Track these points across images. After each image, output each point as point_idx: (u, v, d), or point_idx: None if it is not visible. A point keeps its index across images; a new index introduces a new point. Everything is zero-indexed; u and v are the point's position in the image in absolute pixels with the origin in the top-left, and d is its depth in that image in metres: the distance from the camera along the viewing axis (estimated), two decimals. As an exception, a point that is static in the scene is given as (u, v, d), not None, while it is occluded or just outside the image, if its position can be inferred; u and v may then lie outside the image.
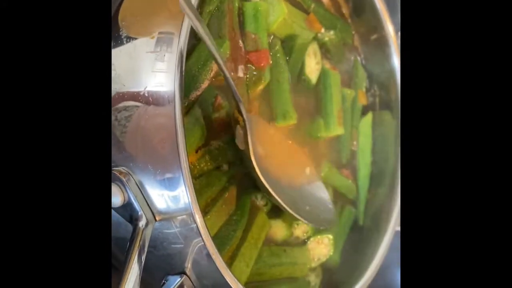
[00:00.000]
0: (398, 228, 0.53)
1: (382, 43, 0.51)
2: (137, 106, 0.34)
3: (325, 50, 0.51)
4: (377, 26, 0.51)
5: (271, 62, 0.43)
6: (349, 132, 0.52)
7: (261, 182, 0.38)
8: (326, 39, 0.51)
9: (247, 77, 0.42)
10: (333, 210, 0.45)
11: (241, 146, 0.39)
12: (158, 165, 0.33)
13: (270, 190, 0.38)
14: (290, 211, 0.40)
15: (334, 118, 0.49)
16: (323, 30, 0.51)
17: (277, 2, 0.44)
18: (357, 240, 0.52)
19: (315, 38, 0.50)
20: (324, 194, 0.45)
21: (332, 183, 0.50)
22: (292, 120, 0.45)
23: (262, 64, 0.42)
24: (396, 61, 0.52)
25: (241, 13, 0.42)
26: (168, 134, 0.32)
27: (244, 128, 0.37)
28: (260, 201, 0.43)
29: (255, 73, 0.42)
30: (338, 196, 0.51)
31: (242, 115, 0.37)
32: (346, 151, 0.52)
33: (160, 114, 0.33)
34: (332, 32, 0.51)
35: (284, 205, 0.39)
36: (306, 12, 0.49)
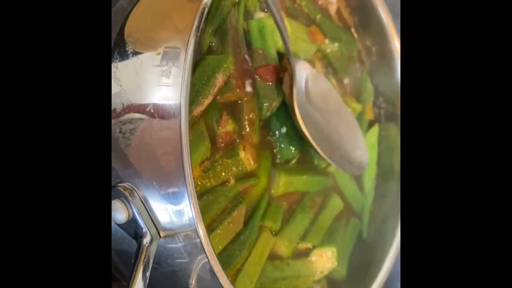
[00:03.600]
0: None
1: (388, 56, 0.51)
2: (142, 119, 0.34)
3: (328, 62, 0.51)
4: (383, 40, 0.51)
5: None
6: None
7: (301, 128, 0.42)
8: (328, 50, 0.51)
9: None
10: (366, 154, 0.48)
11: (286, 91, 0.43)
12: (162, 179, 0.33)
13: (307, 135, 0.43)
14: (325, 156, 0.44)
15: None
16: (326, 41, 0.51)
17: None
18: (362, 253, 0.52)
19: (319, 50, 0.50)
20: (360, 138, 0.49)
21: (342, 189, 0.50)
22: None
23: (272, 78, 0.42)
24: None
25: (247, 32, 0.42)
26: (173, 147, 0.32)
27: (291, 76, 0.42)
28: (269, 225, 0.43)
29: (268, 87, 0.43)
30: (344, 207, 0.51)
31: (290, 65, 0.42)
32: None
33: (165, 127, 0.33)
34: (336, 44, 0.51)
35: (320, 151, 0.43)
36: (307, 24, 0.49)
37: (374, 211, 0.54)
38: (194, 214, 0.32)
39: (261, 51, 0.42)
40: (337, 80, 0.51)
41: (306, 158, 0.48)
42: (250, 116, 0.41)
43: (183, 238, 0.33)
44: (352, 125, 0.49)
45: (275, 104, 0.43)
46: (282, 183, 0.44)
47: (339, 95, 0.49)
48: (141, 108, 0.34)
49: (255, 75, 0.42)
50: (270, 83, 0.43)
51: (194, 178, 0.37)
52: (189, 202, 0.32)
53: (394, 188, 0.54)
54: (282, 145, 0.45)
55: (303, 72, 0.45)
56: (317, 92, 0.46)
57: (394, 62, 0.51)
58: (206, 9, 0.33)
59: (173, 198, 0.32)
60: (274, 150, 0.45)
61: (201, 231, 0.32)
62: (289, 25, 0.44)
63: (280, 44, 0.44)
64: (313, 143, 0.43)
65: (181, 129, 0.32)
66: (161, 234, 0.33)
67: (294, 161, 0.47)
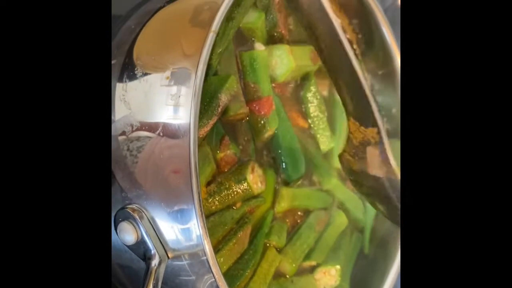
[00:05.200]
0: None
1: (391, 75, 0.52)
2: (150, 138, 0.34)
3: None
4: (387, 60, 0.51)
5: (274, 107, 0.43)
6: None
7: None
8: None
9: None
10: None
11: None
12: (170, 199, 0.33)
13: None
14: None
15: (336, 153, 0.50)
16: None
17: (286, 56, 0.44)
18: (364, 268, 0.52)
19: (319, 69, 0.50)
20: None
21: (346, 205, 0.51)
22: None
23: (264, 112, 0.42)
24: (404, 92, 0.52)
25: (240, 63, 0.42)
26: (181, 165, 0.32)
27: None
28: (274, 242, 0.43)
29: (260, 120, 0.43)
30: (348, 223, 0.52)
31: None
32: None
33: (173, 145, 0.33)
34: None
35: None
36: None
37: (375, 226, 0.54)
38: (201, 232, 0.32)
39: (252, 85, 0.42)
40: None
41: (309, 177, 0.49)
42: (246, 139, 0.42)
43: (190, 257, 0.34)
44: None
45: (268, 135, 0.44)
46: (286, 199, 0.45)
47: None
48: (150, 128, 0.34)
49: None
50: (263, 117, 0.43)
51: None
52: (197, 220, 0.32)
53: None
54: (287, 165, 0.45)
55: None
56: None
57: (397, 80, 0.52)
58: (215, 36, 0.34)
59: (181, 217, 0.33)
60: (279, 170, 0.46)
61: (208, 249, 0.32)
62: (291, 53, 0.44)
63: (282, 79, 0.44)
64: None
65: (190, 146, 0.32)
66: (169, 255, 0.34)
67: (299, 181, 0.47)
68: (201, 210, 0.32)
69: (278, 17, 0.45)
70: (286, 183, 0.47)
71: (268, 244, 0.43)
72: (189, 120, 0.32)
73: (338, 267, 0.48)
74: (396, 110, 0.52)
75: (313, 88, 0.49)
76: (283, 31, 0.46)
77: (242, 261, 0.40)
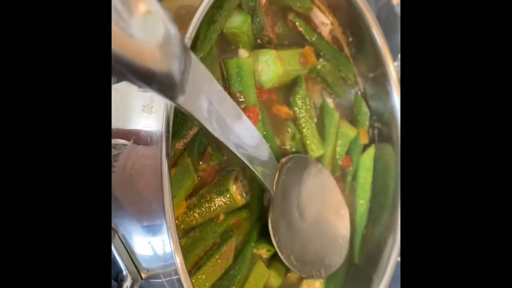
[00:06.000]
0: (398, 259, 0.52)
1: (383, 79, 0.50)
2: (125, 146, 0.33)
3: (321, 78, 0.50)
4: (378, 63, 0.49)
5: (260, 117, 0.41)
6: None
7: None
8: (319, 66, 0.49)
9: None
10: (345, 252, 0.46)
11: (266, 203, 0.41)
12: (142, 214, 0.32)
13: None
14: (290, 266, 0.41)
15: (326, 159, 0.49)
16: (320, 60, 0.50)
17: (272, 62, 0.42)
18: (355, 279, 0.51)
19: (311, 71, 0.48)
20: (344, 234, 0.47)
21: None
22: None
23: (251, 121, 0.40)
24: (396, 97, 0.50)
25: (224, 71, 0.40)
26: (152, 178, 0.31)
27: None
28: (263, 252, 0.42)
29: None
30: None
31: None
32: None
33: (145, 156, 0.32)
34: (322, 60, 0.50)
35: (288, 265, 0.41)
36: (301, 45, 0.48)
37: (366, 235, 0.52)
38: (173, 249, 0.30)
39: (238, 94, 0.40)
40: (334, 101, 0.50)
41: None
42: None
43: (164, 276, 0.32)
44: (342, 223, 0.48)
45: None
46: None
47: (338, 191, 0.48)
48: (124, 136, 0.33)
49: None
50: None
51: (179, 215, 0.36)
52: (168, 236, 0.30)
53: (388, 210, 0.52)
54: None
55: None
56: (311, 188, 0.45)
57: (390, 85, 0.50)
58: (190, 42, 0.32)
59: (153, 234, 0.31)
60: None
61: (180, 267, 0.31)
62: (278, 59, 0.42)
63: (269, 85, 0.43)
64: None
65: (162, 156, 0.31)
66: (143, 275, 0.32)
67: None
68: (173, 225, 0.30)
69: (265, 20, 0.43)
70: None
71: (255, 257, 0.41)
72: (162, 128, 0.31)
73: (321, 280, 0.46)
74: (388, 115, 0.51)
75: (302, 92, 0.47)
76: (271, 35, 0.44)
77: (227, 277, 0.38)
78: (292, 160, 0.43)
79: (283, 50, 0.45)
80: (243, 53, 0.41)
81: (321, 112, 0.50)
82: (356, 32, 0.50)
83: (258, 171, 0.36)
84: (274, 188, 0.40)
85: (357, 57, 0.51)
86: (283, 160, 0.42)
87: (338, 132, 0.50)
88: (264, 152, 0.37)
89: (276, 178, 0.40)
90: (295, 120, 0.47)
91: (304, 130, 0.47)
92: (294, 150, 0.46)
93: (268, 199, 0.41)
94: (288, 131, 0.46)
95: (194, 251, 0.36)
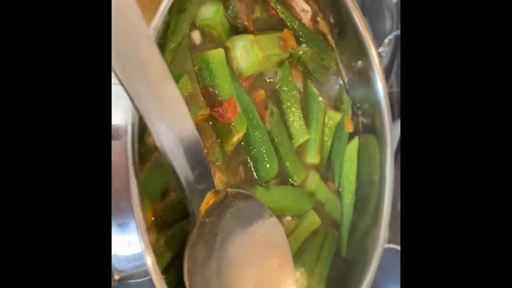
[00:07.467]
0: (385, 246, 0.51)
1: (366, 68, 0.49)
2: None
3: (302, 64, 0.49)
4: (361, 50, 0.48)
5: (239, 109, 0.40)
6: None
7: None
8: (301, 52, 0.48)
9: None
10: None
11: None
12: (112, 212, 0.30)
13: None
14: None
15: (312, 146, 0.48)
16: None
17: (250, 47, 0.41)
18: (342, 270, 0.50)
19: (291, 56, 0.47)
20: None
21: (319, 197, 0.49)
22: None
23: (228, 117, 0.39)
24: (380, 86, 0.49)
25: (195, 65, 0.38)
26: (120, 172, 0.30)
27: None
28: None
29: (226, 126, 0.40)
30: (322, 217, 0.49)
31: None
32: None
33: (113, 151, 0.31)
34: (304, 46, 0.49)
35: None
36: (279, 29, 0.46)
37: (353, 227, 0.52)
38: (143, 248, 0.30)
39: (211, 89, 0.38)
40: (316, 88, 0.49)
41: (284, 177, 0.46)
42: (210, 142, 0.39)
43: (138, 276, 0.32)
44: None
45: (236, 139, 0.40)
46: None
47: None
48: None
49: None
50: (227, 122, 0.39)
51: (156, 211, 0.35)
52: (138, 234, 0.30)
53: (373, 202, 0.52)
54: (259, 165, 0.43)
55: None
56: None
57: (373, 74, 0.49)
58: (155, 33, 0.30)
59: (123, 233, 0.31)
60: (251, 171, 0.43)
61: (152, 266, 0.30)
62: (256, 43, 0.41)
63: (249, 72, 0.41)
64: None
65: (127, 149, 0.30)
66: (116, 277, 0.31)
67: (272, 181, 0.45)
68: (142, 224, 0.29)
69: (239, 8, 0.42)
70: (260, 184, 0.44)
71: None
72: (127, 122, 0.30)
73: (302, 269, 0.45)
74: (369, 105, 0.50)
75: (285, 73, 0.46)
76: (245, 23, 0.42)
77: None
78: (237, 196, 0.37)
79: (261, 34, 0.43)
80: (195, 35, 0.39)
81: (304, 96, 0.49)
82: (337, 19, 0.49)
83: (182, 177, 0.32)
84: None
85: (340, 45, 0.50)
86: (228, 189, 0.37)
87: (324, 117, 0.49)
88: (198, 155, 0.33)
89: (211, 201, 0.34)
90: (278, 103, 0.46)
91: (288, 113, 0.46)
92: (275, 132, 0.45)
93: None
94: (267, 108, 0.45)
95: (173, 248, 0.35)
